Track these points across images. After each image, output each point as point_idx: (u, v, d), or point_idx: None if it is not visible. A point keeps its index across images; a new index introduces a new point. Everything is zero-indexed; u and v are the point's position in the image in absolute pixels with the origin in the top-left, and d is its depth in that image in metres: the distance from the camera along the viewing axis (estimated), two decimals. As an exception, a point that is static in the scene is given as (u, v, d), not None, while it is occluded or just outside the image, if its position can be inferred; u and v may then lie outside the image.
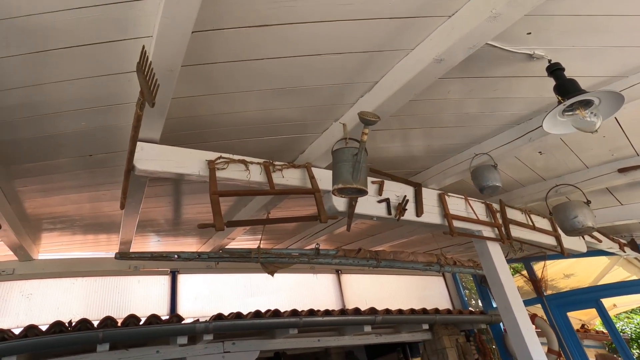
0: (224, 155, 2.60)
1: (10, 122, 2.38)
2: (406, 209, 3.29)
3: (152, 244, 4.79)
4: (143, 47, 1.67)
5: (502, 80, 2.62)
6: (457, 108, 2.93)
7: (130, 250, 4.21)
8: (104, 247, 4.71)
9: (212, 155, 2.57)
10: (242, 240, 5.06)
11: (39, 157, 2.78)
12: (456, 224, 3.57)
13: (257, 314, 4.21)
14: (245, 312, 4.27)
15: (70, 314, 4.17)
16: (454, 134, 3.30)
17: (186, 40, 1.72)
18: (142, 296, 4.72)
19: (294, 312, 4.51)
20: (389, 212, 3.28)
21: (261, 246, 3.72)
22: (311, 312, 4.61)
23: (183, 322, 4.05)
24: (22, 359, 3.16)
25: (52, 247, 4.47)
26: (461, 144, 3.48)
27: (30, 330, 3.20)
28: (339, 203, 2.98)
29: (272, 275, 3.89)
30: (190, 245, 5.02)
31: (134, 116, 1.97)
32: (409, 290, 6.80)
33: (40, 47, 1.90)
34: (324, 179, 2.99)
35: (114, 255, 3.31)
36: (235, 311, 4.26)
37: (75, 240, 4.37)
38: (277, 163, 2.86)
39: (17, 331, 3.35)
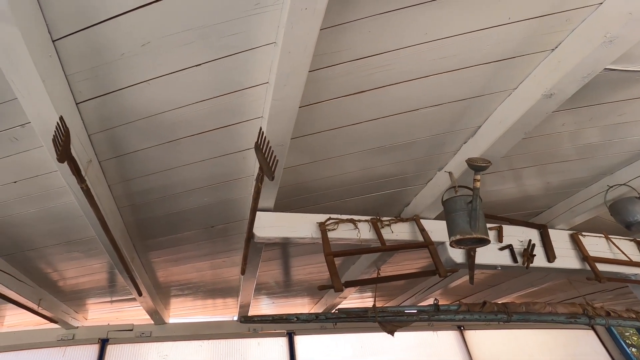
0: (332, 216, 2.70)
1: (147, 202, 2.82)
2: (534, 255, 2.98)
3: (265, 306, 5.03)
4: (260, 129, 1.89)
5: (628, 103, 2.34)
6: (575, 140, 2.68)
7: (249, 313, 4.47)
8: (223, 311, 5.09)
9: (321, 218, 2.70)
10: (353, 299, 5.03)
11: (169, 231, 3.21)
12: (601, 267, 3.09)
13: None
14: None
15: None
16: (575, 168, 2.98)
17: (294, 118, 1.90)
18: (260, 357, 4.89)
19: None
20: (514, 260, 3.00)
21: (375, 304, 3.65)
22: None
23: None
24: None
25: (180, 312, 4.98)
26: (586, 177, 3.10)
27: None
28: (456, 255, 2.83)
29: (392, 334, 3.74)
30: (302, 305, 5.15)
31: (254, 189, 2.18)
32: (551, 346, 5.89)
33: (172, 137, 2.27)
34: (435, 230, 2.89)
35: (234, 319, 3.57)
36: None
37: (199, 304, 4.82)
38: (384, 219, 2.86)
39: None
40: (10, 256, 3.31)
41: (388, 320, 3.57)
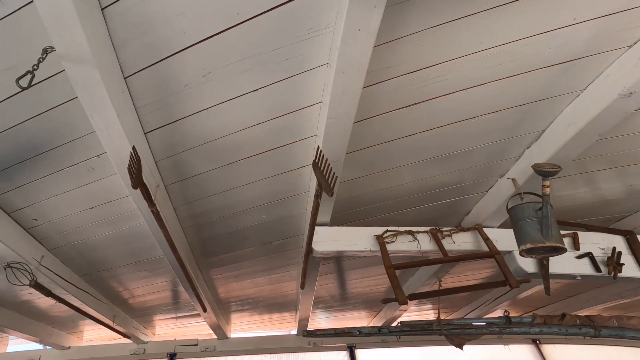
0: (390, 228, 2.69)
1: (210, 222, 2.98)
2: (622, 264, 2.77)
3: (322, 319, 5.07)
4: (318, 147, 1.95)
5: None
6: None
7: (307, 327, 4.53)
8: (281, 325, 5.20)
9: (379, 230, 2.70)
10: (412, 311, 4.93)
11: (230, 249, 3.36)
12: None
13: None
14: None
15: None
16: (663, 168, 2.73)
17: (348, 134, 1.94)
18: None
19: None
20: (597, 269, 2.80)
21: (439, 316, 3.55)
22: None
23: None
24: None
25: (240, 326, 5.15)
26: (678, 177, 2.83)
27: None
28: (527, 264, 2.70)
29: (461, 348, 3.60)
30: (360, 319, 5.13)
31: (312, 205, 2.24)
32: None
33: (231, 159, 2.39)
34: (500, 239, 2.78)
35: (292, 332, 3.64)
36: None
37: (257, 319, 4.95)
38: (444, 229, 2.81)
39: None
40: (88, 276, 3.62)
41: (455, 333, 3.45)
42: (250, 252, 3.41)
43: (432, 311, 5.13)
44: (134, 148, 1.96)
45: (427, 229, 2.79)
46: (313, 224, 2.42)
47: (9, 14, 1.61)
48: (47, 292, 3.30)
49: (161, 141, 2.23)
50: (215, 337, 5.03)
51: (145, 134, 2.16)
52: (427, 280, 3.61)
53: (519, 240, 2.24)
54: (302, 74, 1.82)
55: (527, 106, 2.14)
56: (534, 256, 2.31)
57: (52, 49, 1.64)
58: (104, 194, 2.63)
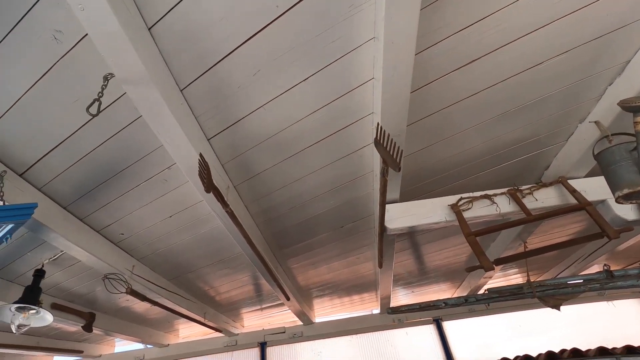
0: (464, 195, 2.63)
1: (279, 215, 3.11)
2: None
3: (403, 296, 5.10)
4: (378, 124, 1.95)
5: None
6: None
7: (390, 305, 4.60)
8: (361, 306, 5.32)
9: (452, 199, 2.65)
10: (497, 277, 4.81)
11: (303, 238, 3.49)
12: None
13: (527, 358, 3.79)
14: (524, 353, 3.92)
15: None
16: None
17: (406, 106, 1.91)
18: (411, 346, 4.98)
19: (603, 351, 3.81)
20: None
21: (529, 278, 3.43)
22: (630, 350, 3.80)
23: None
24: None
25: (323, 311, 5.35)
26: None
27: None
28: (625, 211, 2.51)
29: (558, 309, 3.46)
30: (443, 291, 5.10)
31: (380, 184, 2.26)
32: None
33: (292, 151, 2.47)
34: (589, 189, 2.60)
35: (374, 312, 3.70)
36: (510, 355, 3.97)
37: (338, 302, 5.11)
38: (523, 187, 2.68)
39: None
40: (176, 279, 3.96)
41: (549, 294, 3.32)
42: (323, 239, 3.51)
43: (517, 276, 4.95)
44: (201, 155, 2.10)
45: (505, 190, 2.68)
46: (383, 202, 2.43)
47: (68, 51, 1.77)
48: (142, 297, 3.68)
49: (224, 144, 2.35)
50: (301, 323, 5.29)
51: (208, 140, 2.29)
52: (510, 244, 3.49)
53: (614, 186, 2.08)
54: (349, 53, 1.82)
55: (602, 39, 1.95)
56: (633, 201, 2.14)
57: (112, 75, 1.80)
58: (180, 202, 2.84)
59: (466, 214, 2.57)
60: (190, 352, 5.70)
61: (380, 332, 5.17)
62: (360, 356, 5.09)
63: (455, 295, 4.45)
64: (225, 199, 2.45)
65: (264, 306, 4.99)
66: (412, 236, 3.70)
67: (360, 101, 2.12)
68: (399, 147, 1.83)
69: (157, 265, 3.66)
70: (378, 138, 1.92)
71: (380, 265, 3.22)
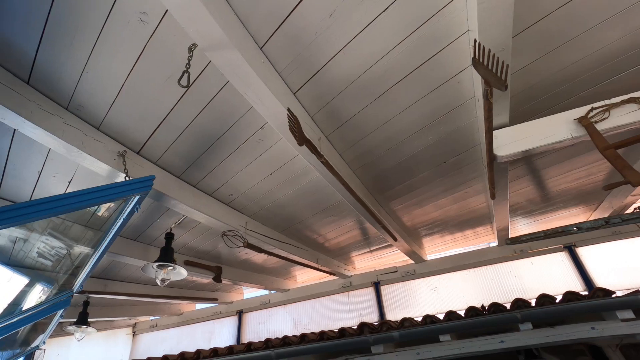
0: (595, 105, 2.28)
1: (375, 159, 3.07)
2: None
3: (524, 226, 4.81)
4: (475, 41, 1.75)
5: None
6: None
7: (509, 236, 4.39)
8: (475, 240, 5.16)
9: (579, 112, 2.31)
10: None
11: (403, 179, 3.43)
12: None
13: None
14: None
15: (475, 300, 4.80)
16: None
17: (510, 13, 1.66)
18: (539, 276, 4.75)
19: None
20: None
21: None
22: None
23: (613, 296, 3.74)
24: (453, 337, 3.90)
25: (435, 249, 5.34)
26: None
27: (452, 314, 3.88)
28: None
29: None
30: (575, 216, 4.68)
31: (484, 109, 2.07)
32: None
33: (381, 90, 2.36)
34: None
35: (497, 244, 3.53)
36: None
37: (450, 239, 5.03)
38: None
39: (440, 316, 4.14)
40: (287, 230, 4.25)
41: None
42: (426, 177, 3.41)
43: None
44: (289, 110, 2.13)
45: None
46: (489, 128, 2.23)
47: (154, 31, 1.87)
48: (258, 249, 4.06)
49: (310, 96, 2.34)
50: (412, 262, 5.38)
51: (294, 93, 2.30)
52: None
53: None
54: (434, -34, 1.62)
55: None
56: None
57: (195, 45, 1.87)
58: (277, 159, 2.97)
59: (600, 126, 2.23)
60: (309, 295, 6.23)
61: (500, 264, 5.00)
62: (479, 289, 5.03)
63: (592, 219, 4.03)
64: (319, 149, 2.48)
65: (372, 248, 5.14)
66: (529, 161, 3.38)
67: (450, 21, 1.91)
68: (503, 63, 1.63)
69: (267, 220, 3.95)
70: (477, 57, 1.73)
71: (493, 197, 3.03)
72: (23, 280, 3.52)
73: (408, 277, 5.54)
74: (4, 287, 3.38)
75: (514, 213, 4.36)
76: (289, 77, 2.18)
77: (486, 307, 3.81)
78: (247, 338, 6.36)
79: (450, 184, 3.56)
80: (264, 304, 6.55)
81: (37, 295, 3.53)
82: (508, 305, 3.81)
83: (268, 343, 4.56)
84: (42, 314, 3.28)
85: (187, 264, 4.38)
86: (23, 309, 3.21)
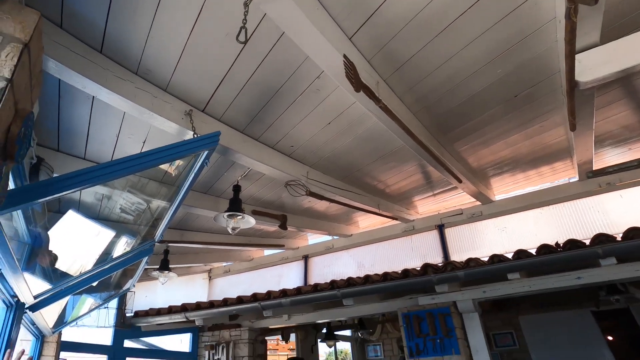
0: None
1: (438, 99, 2.98)
2: None
3: (612, 157, 4.43)
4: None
5: None
6: None
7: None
8: (551, 177, 4.91)
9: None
10: None
11: (468, 118, 3.31)
12: None
13: None
14: None
15: (549, 239, 4.64)
16: None
17: None
18: (628, 210, 4.37)
19: None
20: None
21: None
22: None
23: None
24: (523, 274, 3.89)
25: (504, 188, 5.18)
26: None
27: (522, 252, 3.84)
28: None
29: None
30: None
31: (565, 30, 1.91)
32: None
33: (442, 25, 2.25)
34: None
35: (578, 179, 3.27)
36: None
37: (523, 177, 4.81)
38: None
39: (508, 256, 4.08)
40: (346, 178, 4.34)
41: None
42: (493, 114, 3.27)
43: None
44: (344, 56, 2.12)
45: None
46: (571, 52, 2.06)
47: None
48: (320, 197, 4.21)
49: (366, 39, 2.30)
50: (478, 203, 5.26)
51: (350, 39, 2.27)
52: None
53: None
54: None
55: None
56: None
57: (250, -1, 1.88)
58: (335, 108, 2.99)
59: None
60: (372, 239, 6.40)
61: (581, 200, 4.68)
62: (554, 227, 4.81)
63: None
64: (377, 94, 2.46)
65: (436, 192, 5.10)
66: (626, 82, 3.07)
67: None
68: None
69: (327, 169, 4.05)
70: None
71: (573, 128, 2.82)
72: (111, 234, 3.98)
73: (474, 218, 5.47)
74: (96, 240, 3.85)
75: (601, 144, 4.05)
76: (344, 21, 2.14)
77: (561, 245, 3.71)
78: (313, 280, 6.75)
79: (522, 119, 3.37)
80: (328, 249, 6.85)
81: (124, 245, 3.98)
82: (587, 243, 3.66)
83: (333, 284, 4.83)
84: (129, 261, 3.71)
85: (255, 213, 4.65)
86: (113, 257, 3.64)
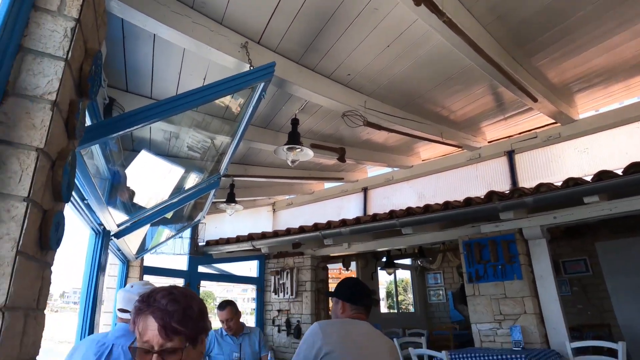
0: None
1: (512, 8, 2.70)
2: None
3: None
4: None
5: None
6: None
7: None
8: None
9: None
10: None
11: (549, 27, 2.97)
12: None
13: None
14: None
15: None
16: None
17: None
18: None
19: None
20: None
21: None
22: None
23: None
24: (603, 197, 3.68)
25: (592, 105, 4.68)
26: None
27: (604, 174, 3.58)
28: None
29: None
30: None
31: None
32: None
33: None
34: None
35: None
36: None
37: (622, 87, 4.26)
38: None
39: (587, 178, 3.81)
40: (406, 106, 4.19)
41: None
42: (584, 16, 2.86)
43: None
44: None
45: None
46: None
47: None
48: (378, 127, 4.13)
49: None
50: (557, 124, 4.87)
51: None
52: None
53: None
54: None
55: None
56: None
57: None
58: (395, 28, 2.82)
59: None
60: (433, 169, 6.26)
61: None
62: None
63: None
64: (440, 7, 2.28)
65: (507, 115, 4.77)
66: None
67: None
68: None
69: (385, 97, 3.93)
70: None
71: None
72: (180, 170, 4.26)
73: (550, 141, 5.09)
74: (168, 176, 4.15)
75: None
76: None
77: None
78: (372, 212, 6.84)
79: (623, 16, 2.89)
80: (387, 181, 6.83)
81: (193, 180, 4.26)
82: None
83: (392, 214, 4.86)
84: (198, 193, 4.00)
85: (313, 146, 4.69)
86: (185, 189, 3.94)
